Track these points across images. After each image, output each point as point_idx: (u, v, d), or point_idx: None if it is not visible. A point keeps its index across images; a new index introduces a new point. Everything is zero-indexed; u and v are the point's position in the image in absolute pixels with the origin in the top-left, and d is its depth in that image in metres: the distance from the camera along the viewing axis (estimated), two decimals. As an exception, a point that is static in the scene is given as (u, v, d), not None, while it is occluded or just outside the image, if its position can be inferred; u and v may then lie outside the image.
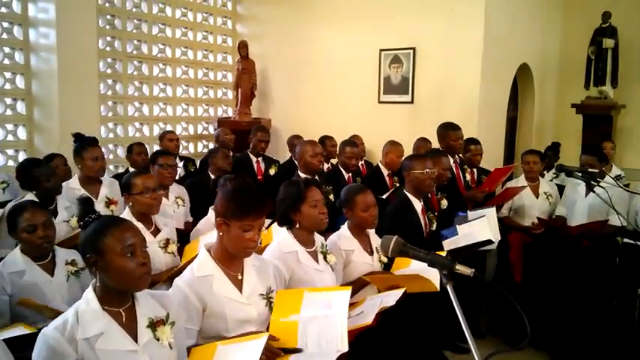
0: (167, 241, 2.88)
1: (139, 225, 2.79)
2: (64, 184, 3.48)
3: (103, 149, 4.21)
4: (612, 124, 6.39)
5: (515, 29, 5.81)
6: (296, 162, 4.21)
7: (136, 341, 1.61)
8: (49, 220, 2.54)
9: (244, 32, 6.85)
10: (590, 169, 3.70)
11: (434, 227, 3.52)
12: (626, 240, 3.81)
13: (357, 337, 2.38)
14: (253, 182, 2.08)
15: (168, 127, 6.04)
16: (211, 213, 3.25)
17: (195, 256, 2.70)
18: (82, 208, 1.77)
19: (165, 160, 3.70)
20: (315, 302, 2.00)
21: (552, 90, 7.20)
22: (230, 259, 2.01)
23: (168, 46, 6.15)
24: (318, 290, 2.15)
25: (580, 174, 3.43)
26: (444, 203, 3.93)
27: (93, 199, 3.39)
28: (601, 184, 3.45)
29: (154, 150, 5.65)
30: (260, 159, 5.08)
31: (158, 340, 1.65)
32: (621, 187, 3.43)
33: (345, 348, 1.83)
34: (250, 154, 5.06)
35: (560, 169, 3.42)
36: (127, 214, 2.87)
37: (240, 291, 2.00)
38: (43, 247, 2.47)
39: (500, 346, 4.38)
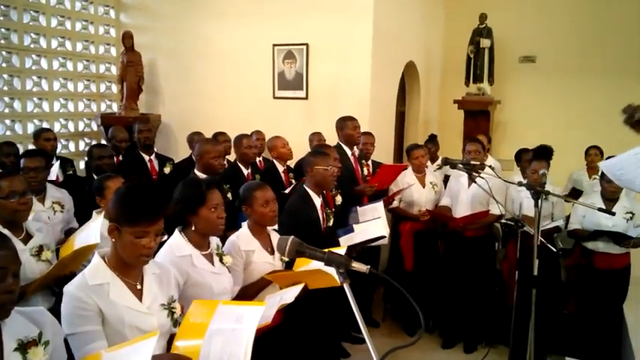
0: (40, 248, 2.63)
1: (6, 232, 2.55)
2: None
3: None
4: (490, 119, 6.90)
5: (401, 28, 6.05)
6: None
7: None
8: None
9: (129, 22, 6.46)
10: (472, 162, 3.96)
11: (331, 223, 3.57)
12: (506, 221, 4.07)
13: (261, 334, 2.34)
14: (150, 183, 1.90)
15: (45, 125, 5.53)
16: (94, 216, 3.04)
17: (71, 253, 2.54)
18: None
19: (28, 162, 3.38)
20: (227, 315, 1.91)
21: (436, 86, 7.63)
22: (127, 266, 1.87)
23: (42, 35, 5.63)
24: (234, 304, 2.07)
25: (463, 166, 3.66)
26: (339, 199, 4.01)
27: None
28: (482, 175, 3.69)
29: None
30: (153, 157, 4.83)
31: None
32: (499, 177, 3.70)
33: None
34: (142, 154, 4.80)
35: (445, 161, 3.61)
36: None
37: (140, 300, 1.87)
38: None
39: (396, 335, 4.58)
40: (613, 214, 3.28)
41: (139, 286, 1.89)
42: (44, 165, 3.45)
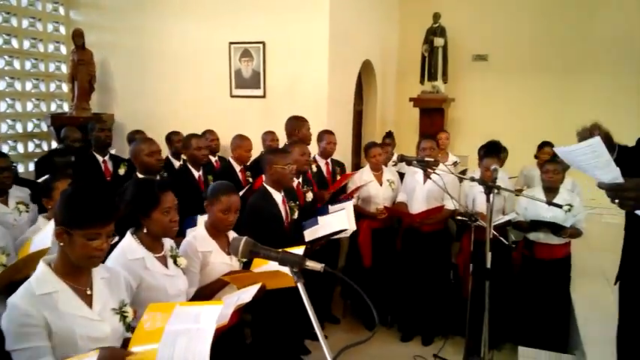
0: None
1: None
2: None
3: None
4: (444, 116, 7.05)
5: (358, 27, 6.10)
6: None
7: None
8: None
9: (79, 20, 6.27)
10: (427, 158, 4.04)
11: (295, 216, 3.60)
12: (459, 217, 4.16)
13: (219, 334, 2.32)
14: (99, 184, 1.85)
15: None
16: (40, 219, 2.95)
17: (25, 257, 2.46)
18: None
19: None
20: (185, 315, 1.87)
21: (392, 85, 7.73)
22: (75, 272, 1.80)
23: (-14, 32, 5.41)
24: (190, 304, 2.04)
25: (418, 163, 3.74)
26: (309, 196, 4.06)
27: None
28: (436, 171, 3.78)
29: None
30: (107, 158, 4.69)
31: None
32: (453, 173, 3.79)
33: None
34: (95, 154, 4.64)
35: (401, 159, 3.68)
36: None
37: (91, 307, 1.80)
38: None
39: (356, 330, 4.63)
40: (560, 206, 3.40)
41: (89, 292, 1.83)
42: (10, 164, 3.35)
